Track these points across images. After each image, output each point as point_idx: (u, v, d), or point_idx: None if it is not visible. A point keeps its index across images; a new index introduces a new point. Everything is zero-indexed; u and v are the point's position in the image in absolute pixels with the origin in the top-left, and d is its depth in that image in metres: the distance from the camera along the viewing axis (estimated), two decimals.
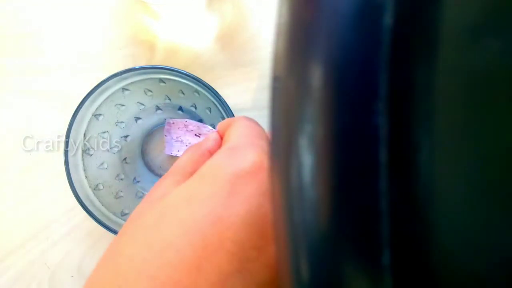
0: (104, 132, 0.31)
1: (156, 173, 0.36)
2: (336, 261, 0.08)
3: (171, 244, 0.13)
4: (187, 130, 0.32)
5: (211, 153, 0.19)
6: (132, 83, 0.29)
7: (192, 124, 0.31)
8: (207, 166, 0.15)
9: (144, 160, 0.36)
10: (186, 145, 0.33)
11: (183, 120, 0.32)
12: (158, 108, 0.34)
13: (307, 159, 0.09)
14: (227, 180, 0.14)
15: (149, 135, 0.36)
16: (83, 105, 0.27)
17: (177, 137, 0.34)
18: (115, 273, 0.13)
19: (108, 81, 0.27)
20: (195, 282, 0.12)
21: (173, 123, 0.33)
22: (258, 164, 0.15)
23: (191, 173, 0.16)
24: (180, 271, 0.12)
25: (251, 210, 0.13)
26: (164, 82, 0.30)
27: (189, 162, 0.18)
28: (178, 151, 0.34)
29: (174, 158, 0.35)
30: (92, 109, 0.29)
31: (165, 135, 0.34)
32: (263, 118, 0.36)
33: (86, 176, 0.30)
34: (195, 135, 0.31)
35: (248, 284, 0.13)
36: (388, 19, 0.08)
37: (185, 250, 0.13)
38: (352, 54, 0.08)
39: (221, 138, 0.21)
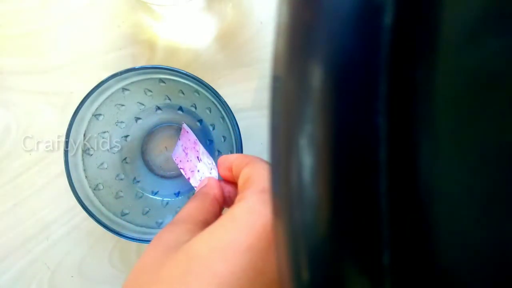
0: (104, 132, 0.31)
1: (156, 173, 0.36)
2: (336, 261, 0.08)
3: None
4: (194, 148, 0.32)
5: (218, 201, 0.19)
6: (132, 83, 0.29)
7: (200, 147, 0.31)
8: (240, 210, 0.14)
9: (144, 160, 0.36)
10: (188, 160, 0.33)
11: (194, 137, 0.32)
12: (158, 108, 0.34)
13: (307, 159, 0.09)
14: (265, 229, 0.13)
15: (149, 135, 0.36)
16: (83, 105, 0.27)
17: (185, 148, 0.34)
18: None
19: (108, 81, 0.27)
20: None
21: (188, 132, 0.33)
22: None
23: (203, 222, 0.16)
24: None
25: None
26: (164, 82, 0.30)
27: (199, 210, 0.18)
28: (180, 161, 0.34)
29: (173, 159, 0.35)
30: (92, 109, 0.29)
31: (179, 139, 0.34)
32: (263, 118, 0.36)
33: (86, 176, 0.30)
34: (197, 157, 0.32)
35: None
36: (387, 19, 0.08)
37: None
38: (351, 54, 0.08)
39: (230, 171, 0.20)
